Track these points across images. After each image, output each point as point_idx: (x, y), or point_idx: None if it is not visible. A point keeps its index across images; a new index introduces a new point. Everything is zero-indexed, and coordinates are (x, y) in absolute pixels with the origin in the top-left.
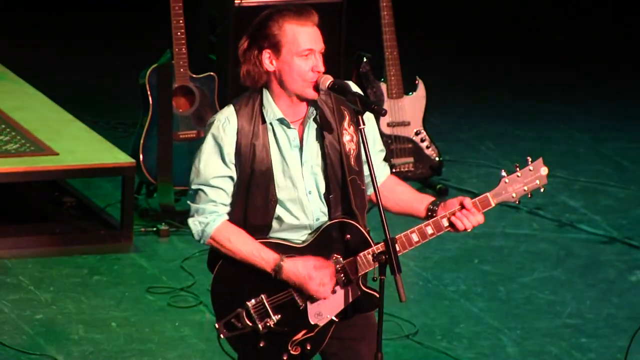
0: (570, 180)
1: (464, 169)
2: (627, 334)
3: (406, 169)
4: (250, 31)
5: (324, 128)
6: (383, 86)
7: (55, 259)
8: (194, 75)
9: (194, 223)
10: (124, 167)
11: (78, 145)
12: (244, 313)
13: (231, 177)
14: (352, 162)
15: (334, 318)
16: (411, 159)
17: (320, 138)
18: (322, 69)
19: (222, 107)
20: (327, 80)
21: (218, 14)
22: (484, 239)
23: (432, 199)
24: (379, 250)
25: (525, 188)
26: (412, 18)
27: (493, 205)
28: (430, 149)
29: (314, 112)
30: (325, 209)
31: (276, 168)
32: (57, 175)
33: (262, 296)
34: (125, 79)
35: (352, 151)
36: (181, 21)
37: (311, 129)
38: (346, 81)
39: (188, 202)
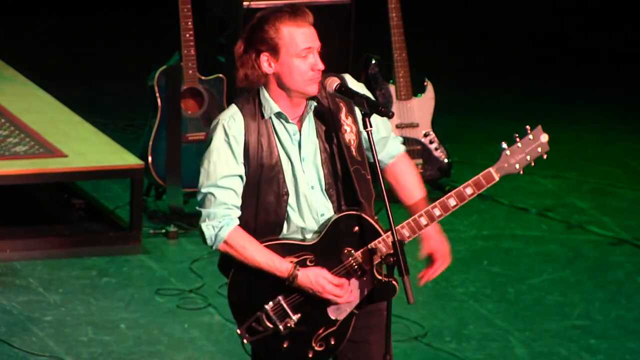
0: (579, 182)
1: (473, 170)
2: (636, 335)
3: None
4: (245, 34)
5: (321, 121)
6: (392, 88)
7: (65, 260)
8: (203, 77)
9: (207, 227)
10: (133, 169)
11: (87, 148)
12: (264, 316)
13: (240, 177)
14: (354, 152)
15: (354, 310)
16: (420, 161)
17: (319, 132)
18: (321, 66)
19: None
20: (334, 82)
21: (227, 16)
22: (492, 241)
23: (422, 204)
24: (387, 252)
25: (528, 157)
26: (421, 19)
27: (497, 179)
28: (439, 151)
29: (312, 106)
30: (329, 204)
31: (282, 162)
32: (66, 178)
33: (279, 297)
34: (134, 81)
35: (352, 141)
36: (190, 23)
37: (310, 123)
38: (345, 74)
39: (197, 207)
